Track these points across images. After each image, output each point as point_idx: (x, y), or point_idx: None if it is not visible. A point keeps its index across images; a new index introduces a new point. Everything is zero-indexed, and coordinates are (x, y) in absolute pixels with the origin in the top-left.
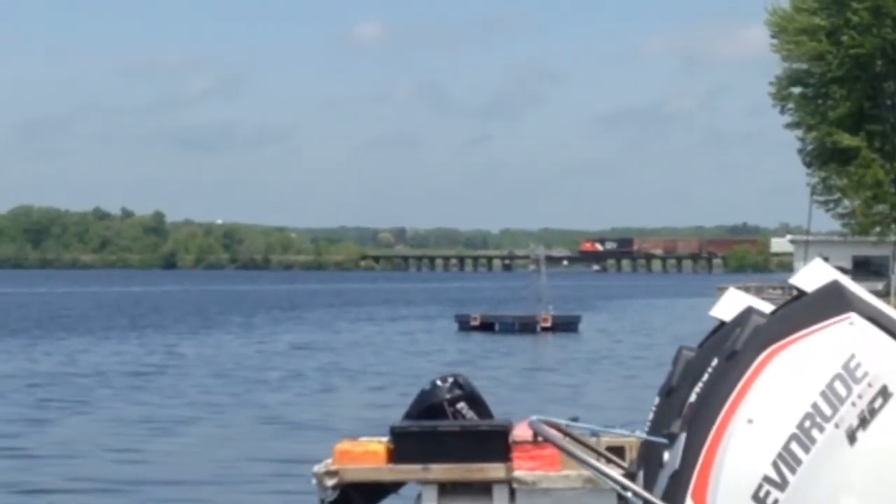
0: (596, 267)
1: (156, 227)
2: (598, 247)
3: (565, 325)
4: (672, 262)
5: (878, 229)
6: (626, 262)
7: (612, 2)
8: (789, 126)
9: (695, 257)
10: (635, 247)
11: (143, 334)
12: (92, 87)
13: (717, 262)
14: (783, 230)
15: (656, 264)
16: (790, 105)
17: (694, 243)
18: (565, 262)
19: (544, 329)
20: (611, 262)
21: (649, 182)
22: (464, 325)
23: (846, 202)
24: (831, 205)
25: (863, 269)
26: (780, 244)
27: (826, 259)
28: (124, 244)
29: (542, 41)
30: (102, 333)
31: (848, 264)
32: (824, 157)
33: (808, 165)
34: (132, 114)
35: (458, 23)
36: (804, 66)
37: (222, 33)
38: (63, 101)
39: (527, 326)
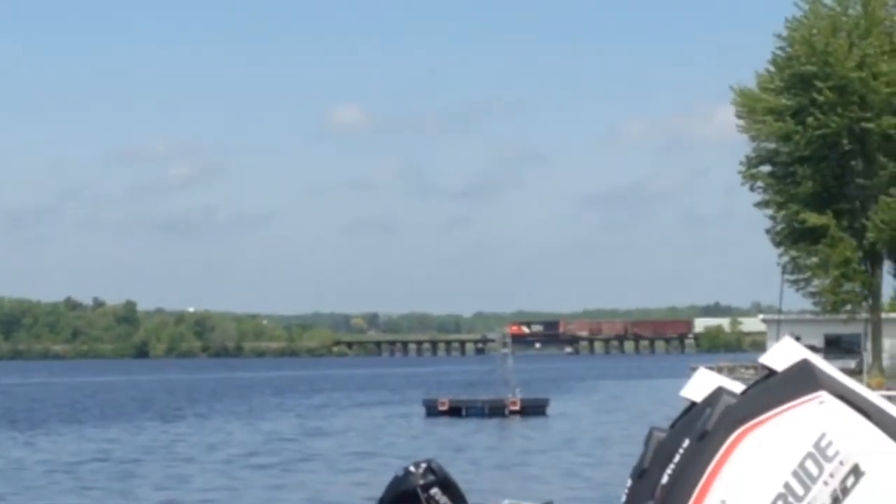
0: (569, 349)
1: (127, 316)
2: (525, 329)
3: (534, 409)
4: (645, 343)
5: (848, 307)
6: (598, 345)
7: (594, 85)
8: (759, 205)
9: (620, 339)
10: (561, 329)
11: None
12: (73, 176)
13: (689, 341)
14: (755, 309)
15: (629, 346)
16: (759, 184)
17: (619, 325)
18: (538, 345)
19: (513, 412)
20: (583, 344)
21: (625, 263)
22: (432, 410)
23: (816, 281)
24: (802, 283)
25: (835, 347)
26: (752, 323)
27: (798, 338)
28: (96, 334)
29: (523, 124)
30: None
31: (820, 343)
32: (794, 237)
33: (778, 245)
34: (109, 202)
35: (439, 106)
36: (772, 145)
37: (202, 121)
38: (44, 190)
39: (495, 410)
